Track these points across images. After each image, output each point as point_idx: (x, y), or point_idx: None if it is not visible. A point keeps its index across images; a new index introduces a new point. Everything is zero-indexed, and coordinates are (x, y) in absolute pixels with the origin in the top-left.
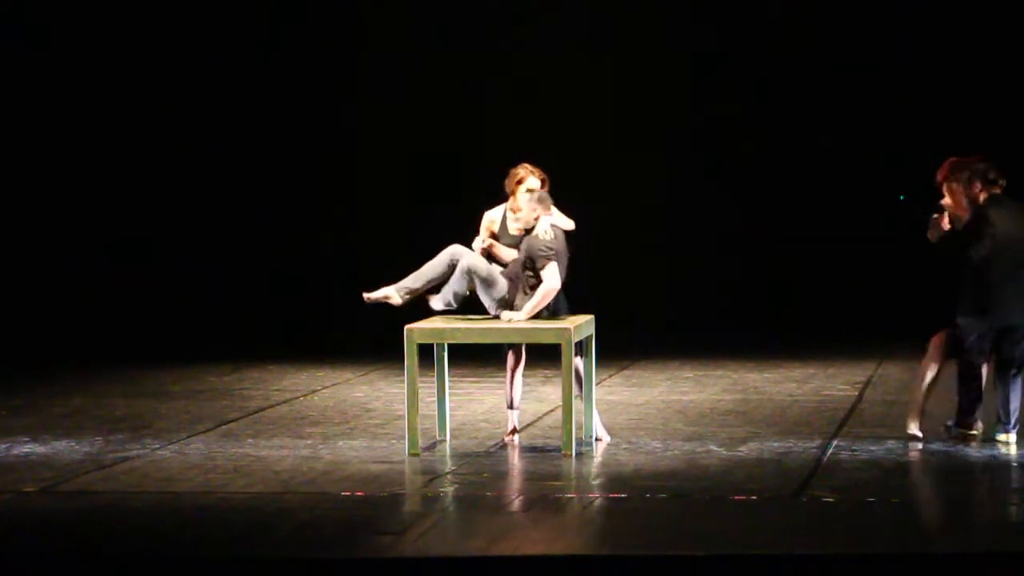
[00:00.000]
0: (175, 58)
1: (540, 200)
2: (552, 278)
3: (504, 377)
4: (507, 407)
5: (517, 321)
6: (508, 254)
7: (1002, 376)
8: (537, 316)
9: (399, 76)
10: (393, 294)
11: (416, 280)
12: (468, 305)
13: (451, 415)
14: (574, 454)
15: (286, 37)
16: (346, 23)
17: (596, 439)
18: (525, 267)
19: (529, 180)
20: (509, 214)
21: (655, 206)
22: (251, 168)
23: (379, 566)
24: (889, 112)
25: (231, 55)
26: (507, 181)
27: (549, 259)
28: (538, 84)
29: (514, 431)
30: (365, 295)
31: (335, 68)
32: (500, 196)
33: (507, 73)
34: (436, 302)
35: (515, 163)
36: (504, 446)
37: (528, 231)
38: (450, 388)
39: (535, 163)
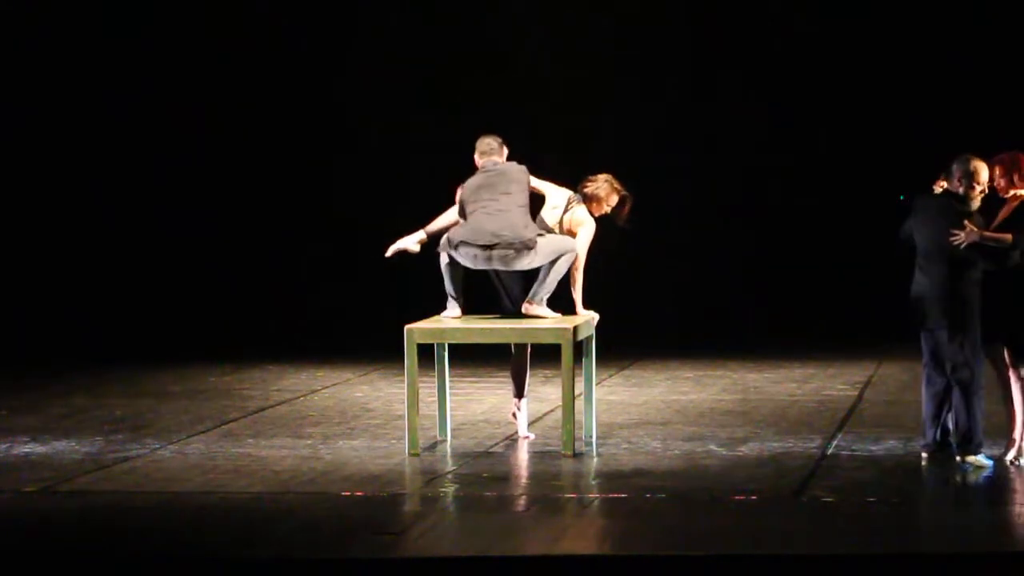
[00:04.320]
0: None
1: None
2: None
3: (508, 373)
4: (520, 397)
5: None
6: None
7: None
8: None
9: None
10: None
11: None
12: (469, 305)
13: (451, 415)
14: (574, 454)
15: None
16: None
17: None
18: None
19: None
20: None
21: (656, 207)
22: (250, 169)
23: (379, 566)
24: (888, 111)
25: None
26: (599, 204)
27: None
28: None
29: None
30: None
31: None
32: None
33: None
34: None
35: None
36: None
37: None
38: (450, 388)
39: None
